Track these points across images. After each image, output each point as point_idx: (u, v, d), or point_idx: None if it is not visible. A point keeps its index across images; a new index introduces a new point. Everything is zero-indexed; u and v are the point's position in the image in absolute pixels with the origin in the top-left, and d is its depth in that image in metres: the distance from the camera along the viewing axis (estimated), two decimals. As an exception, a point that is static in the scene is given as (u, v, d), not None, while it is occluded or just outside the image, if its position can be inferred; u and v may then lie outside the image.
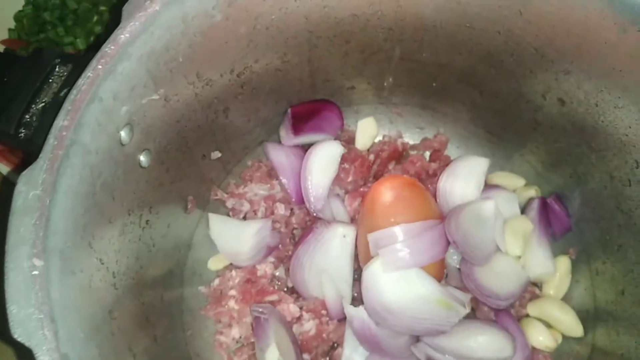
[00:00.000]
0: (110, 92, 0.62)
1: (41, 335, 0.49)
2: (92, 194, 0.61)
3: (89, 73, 0.60)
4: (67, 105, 0.59)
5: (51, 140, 0.57)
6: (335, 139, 0.97)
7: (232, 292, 0.87)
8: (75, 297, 0.56)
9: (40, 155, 0.56)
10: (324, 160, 0.89)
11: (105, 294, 0.62)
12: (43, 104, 0.67)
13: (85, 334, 0.54)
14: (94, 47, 0.61)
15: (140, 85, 0.65)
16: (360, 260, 0.85)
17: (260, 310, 0.82)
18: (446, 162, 0.94)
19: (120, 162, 0.66)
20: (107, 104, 0.62)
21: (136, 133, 0.68)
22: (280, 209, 0.93)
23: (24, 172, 0.56)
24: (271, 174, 0.95)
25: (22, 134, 0.66)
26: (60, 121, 0.58)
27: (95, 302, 0.59)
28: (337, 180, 0.93)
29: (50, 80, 0.68)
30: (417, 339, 0.78)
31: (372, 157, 0.96)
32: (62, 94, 0.66)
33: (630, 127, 0.69)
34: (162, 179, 0.77)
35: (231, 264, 0.91)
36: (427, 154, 0.98)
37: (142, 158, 0.71)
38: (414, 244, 0.76)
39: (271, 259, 0.90)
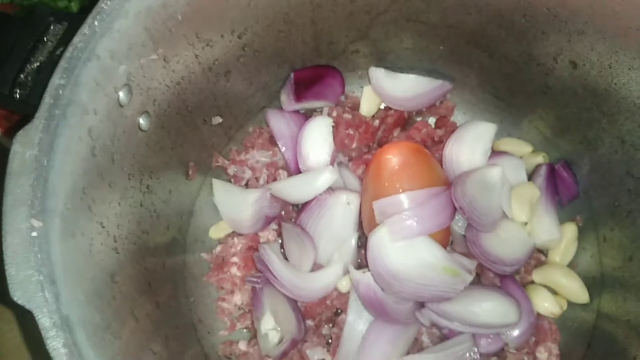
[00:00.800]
0: (108, 50, 0.60)
1: (41, 297, 0.49)
2: (91, 155, 0.60)
3: (85, 30, 0.58)
4: (63, 63, 0.57)
5: (47, 99, 0.55)
6: (337, 105, 0.95)
7: (235, 259, 0.86)
8: (76, 260, 0.54)
9: (36, 114, 0.55)
10: (317, 136, 0.88)
11: (107, 257, 0.61)
12: (38, 64, 0.65)
13: (86, 297, 0.53)
14: (89, 10, 0.58)
15: (139, 43, 0.63)
16: (364, 227, 0.84)
17: (255, 279, 0.82)
18: (452, 129, 0.92)
19: (119, 124, 0.64)
20: (105, 63, 0.60)
21: (135, 94, 0.66)
22: (283, 176, 0.91)
23: (20, 132, 0.54)
24: (273, 140, 0.93)
25: (17, 95, 0.64)
26: (57, 79, 0.56)
27: (96, 266, 0.58)
28: (341, 146, 0.91)
29: (45, 39, 0.65)
30: (422, 304, 0.78)
31: (376, 123, 0.94)
32: (57, 52, 0.64)
33: (644, 89, 0.67)
34: (162, 143, 0.75)
35: (233, 231, 0.90)
36: (433, 120, 0.96)
37: (142, 121, 0.69)
38: (420, 211, 0.75)
39: (274, 226, 0.89)
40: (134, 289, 0.67)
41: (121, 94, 0.63)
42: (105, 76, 0.60)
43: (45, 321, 0.48)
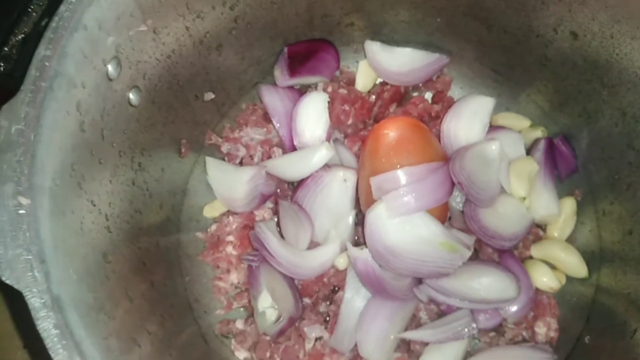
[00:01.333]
0: (95, 20, 0.57)
1: (30, 276, 0.47)
2: (80, 130, 0.58)
3: (71, -1, 0.56)
4: (48, 34, 0.55)
5: (33, 71, 0.53)
6: (332, 81, 0.93)
7: (230, 238, 0.85)
8: (67, 239, 0.53)
9: (22, 87, 0.53)
10: (312, 113, 0.86)
11: (99, 236, 0.60)
12: (23, 35, 0.62)
13: (78, 277, 0.52)
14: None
15: (127, 13, 0.61)
16: (361, 204, 0.82)
17: (251, 257, 0.81)
18: (449, 104, 0.90)
19: (108, 98, 0.62)
20: (92, 34, 0.57)
21: (124, 67, 0.63)
22: (278, 154, 0.90)
23: (5, 106, 0.52)
24: (267, 117, 0.91)
25: (2, 68, 0.61)
26: (42, 50, 0.54)
27: (87, 245, 0.57)
28: (337, 123, 0.90)
29: (30, 10, 0.63)
30: (419, 281, 0.77)
31: (372, 98, 0.92)
32: (42, 23, 0.61)
33: (647, 59, 0.66)
34: (153, 119, 0.73)
35: (228, 210, 0.88)
36: (430, 95, 0.94)
37: (132, 96, 0.67)
38: (418, 187, 0.73)
39: (270, 204, 0.88)
40: (128, 269, 0.65)
41: (110, 67, 0.61)
42: (93, 48, 0.58)
43: (35, 301, 0.46)
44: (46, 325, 0.46)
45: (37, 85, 0.52)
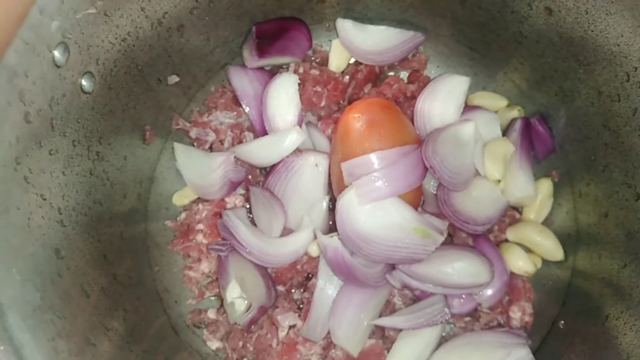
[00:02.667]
0: (36, 4, 0.54)
1: (-35, 280, 0.45)
2: (25, 122, 0.55)
3: (7, -19, 0.52)
4: (-18, 20, 0.51)
5: (-33, 61, 0.50)
6: (304, 61, 0.90)
7: (200, 226, 0.83)
8: (10, 237, 0.50)
9: (-46, 78, 0.49)
10: (282, 95, 0.84)
11: (50, 231, 0.57)
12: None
13: (22, 276, 0.49)
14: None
15: (72, -4, 0.57)
16: (334, 189, 0.80)
17: (219, 247, 0.78)
18: (425, 83, 0.87)
19: (57, 86, 0.59)
20: (33, 19, 0.54)
21: (73, 53, 0.60)
22: (249, 138, 0.87)
23: (-62, 99, 0.49)
24: (237, 100, 0.88)
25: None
26: (-24, 39, 0.50)
27: (36, 241, 0.54)
28: (309, 105, 0.87)
29: (-32, -7, 0.59)
30: (393, 267, 0.75)
31: (346, 79, 0.89)
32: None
33: (622, 36, 0.63)
34: (111, 106, 0.70)
35: (198, 197, 0.86)
36: (406, 74, 0.91)
37: (84, 82, 0.64)
38: (390, 172, 0.71)
39: (241, 191, 0.85)
40: (85, 263, 0.63)
41: (56, 53, 0.58)
42: (34, 33, 0.55)
43: (-30, 307, 0.44)
44: (-18, 331, 0.44)
45: (-28, 76, 0.49)
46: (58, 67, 0.58)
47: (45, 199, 0.57)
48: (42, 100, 0.57)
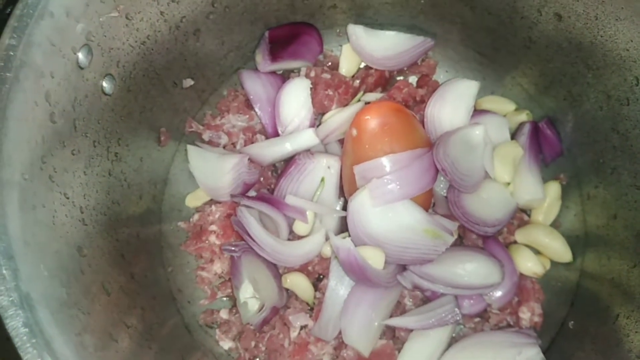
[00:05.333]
0: (62, 6, 0.55)
1: (-3, 274, 0.46)
2: (50, 122, 0.56)
3: (35, -15, 0.54)
4: (12, 22, 0.53)
5: (-4, 61, 0.51)
6: (315, 66, 0.91)
7: (213, 227, 0.84)
8: (38, 233, 0.51)
9: (-15, 78, 0.50)
10: (295, 99, 0.85)
11: (73, 229, 0.58)
12: (-13, 24, 0.60)
13: (50, 272, 0.50)
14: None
15: (96, -1, 0.59)
16: (345, 191, 0.81)
17: (232, 248, 0.80)
18: (434, 88, 0.89)
19: (80, 87, 0.60)
20: (60, 21, 0.55)
21: (96, 55, 0.61)
22: (260, 141, 0.88)
23: (-32, 98, 0.50)
24: (249, 103, 0.89)
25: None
26: (7, 40, 0.52)
27: (61, 239, 0.55)
28: (320, 108, 0.88)
29: (-6, -3, 0.60)
30: (404, 267, 0.77)
31: (357, 83, 0.90)
32: (7, 11, 0.59)
33: (631, 41, 0.64)
34: (129, 108, 0.71)
35: (211, 199, 0.87)
36: (415, 79, 0.93)
37: (105, 84, 0.65)
38: (402, 175, 0.73)
39: (253, 193, 0.86)
40: (105, 262, 0.64)
41: (80, 55, 0.59)
42: (61, 36, 0.56)
43: (2, 300, 0.45)
44: (15, 323, 0.45)
45: (2, 76, 0.51)
46: (81, 68, 0.60)
47: (68, 198, 0.59)
48: (65, 101, 0.58)
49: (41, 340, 0.45)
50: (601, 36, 0.68)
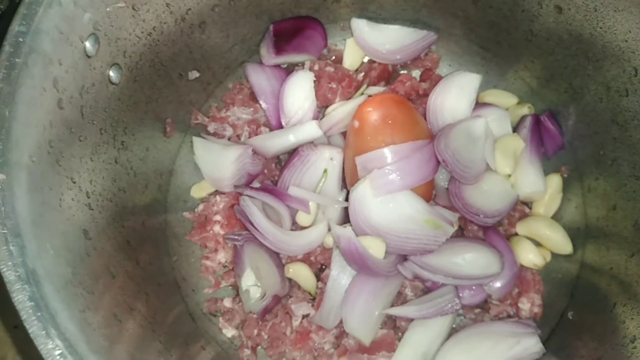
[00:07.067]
0: (71, -4, 0.57)
1: (5, 250, 0.47)
2: (58, 108, 0.57)
3: (45, -25, 0.55)
4: (22, 10, 0.54)
5: (7, 47, 0.53)
6: (319, 59, 0.92)
7: (217, 217, 0.85)
8: (44, 214, 0.53)
9: (-5, 64, 0.52)
10: (298, 92, 0.86)
11: (79, 213, 0.60)
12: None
13: (55, 251, 0.52)
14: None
15: (104, -11, 0.60)
16: (347, 182, 0.82)
17: (235, 237, 0.81)
18: (437, 81, 0.90)
19: (87, 76, 0.62)
20: (68, 10, 0.57)
21: (103, 45, 0.63)
22: (265, 133, 0.89)
23: (-21, 82, 0.52)
24: (254, 96, 0.90)
25: (-22, 45, 0.61)
26: (16, 27, 0.54)
27: (67, 221, 0.57)
28: (324, 101, 0.89)
29: (6, -13, 0.62)
30: (404, 258, 0.77)
31: (360, 77, 0.91)
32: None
33: (630, 32, 0.65)
34: (136, 97, 0.73)
35: (216, 190, 0.88)
36: (418, 73, 0.94)
37: (112, 73, 0.67)
38: (403, 166, 0.73)
39: (256, 184, 0.88)
40: (111, 246, 0.66)
41: (87, 44, 0.61)
42: (69, 24, 0.58)
43: (10, 274, 0.46)
44: (21, 297, 0.46)
45: (12, 62, 0.52)
46: (89, 57, 0.61)
47: (74, 182, 0.60)
48: (73, 88, 0.60)
49: (46, 314, 0.46)
50: (600, 27, 0.69)
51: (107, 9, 0.62)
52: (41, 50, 0.55)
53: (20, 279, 0.46)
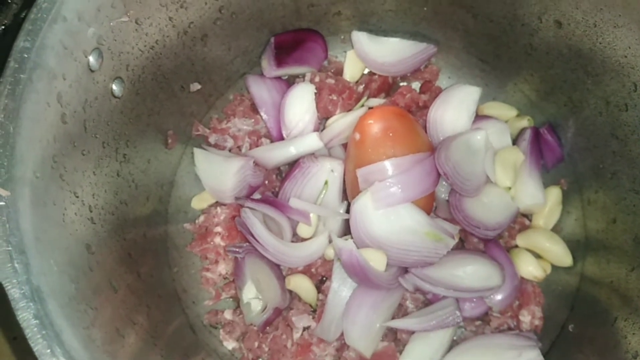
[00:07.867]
0: (75, 11, 0.57)
1: (10, 267, 0.47)
2: (61, 122, 0.58)
3: (50, -10, 0.56)
4: (27, 25, 0.54)
5: (12, 63, 0.53)
6: (320, 71, 0.93)
7: (218, 229, 0.85)
8: (48, 230, 0.53)
9: (0, 79, 0.52)
10: (299, 104, 0.87)
11: (82, 227, 0.60)
12: (3, 27, 0.62)
13: (59, 268, 0.52)
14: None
15: (108, 4, 0.60)
16: (348, 194, 0.83)
17: (236, 249, 0.81)
18: (437, 94, 0.90)
19: (90, 90, 0.62)
20: (72, 25, 0.57)
21: (106, 59, 0.63)
22: (265, 145, 0.90)
23: (-17, 98, 0.52)
24: (254, 108, 0.91)
25: (-19, 60, 0.61)
26: (21, 42, 0.54)
27: (70, 236, 0.57)
28: (324, 113, 0.90)
29: (10, 1, 0.62)
30: (405, 270, 0.78)
31: (360, 88, 0.92)
32: (22, 15, 0.61)
33: (629, 48, 0.66)
34: (138, 110, 0.73)
35: (216, 201, 0.88)
36: (418, 85, 0.94)
37: (115, 87, 0.67)
38: (404, 178, 0.74)
39: (257, 195, 0.88)
40: (113, 260, 0.66)
41: (91, 59, 0.61)
42: (73, 39, 0.58)
43: (14, 292, 0.46)
44: (26, 315, 0.46)
45: (16, 77, 0.52)
46: (92, 71, 0.62)
47: (77, 197, 0.60)
48: (76, 102, 0.60)
49: (51, 332, 0.46)
50: (600, 43, 0.69)
51: (111, 24, 0.62)
52: (46, 65, 0.55)
53: (25, 296, 0.46)
